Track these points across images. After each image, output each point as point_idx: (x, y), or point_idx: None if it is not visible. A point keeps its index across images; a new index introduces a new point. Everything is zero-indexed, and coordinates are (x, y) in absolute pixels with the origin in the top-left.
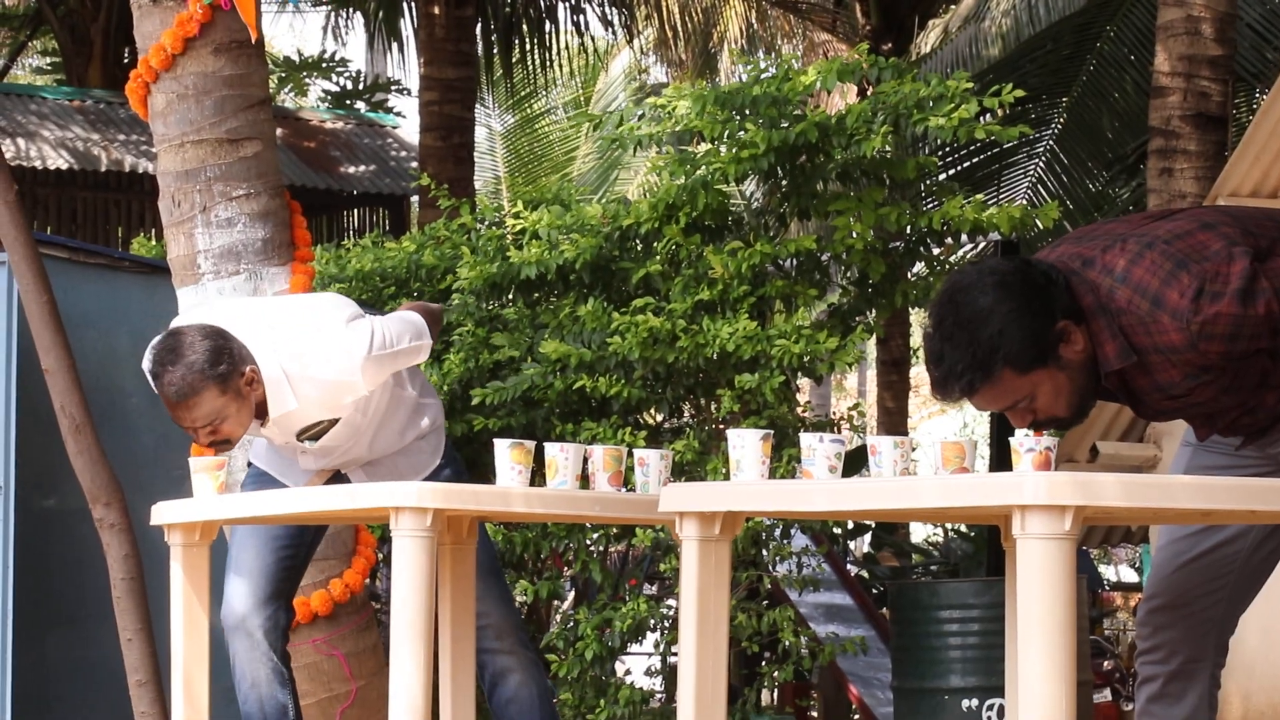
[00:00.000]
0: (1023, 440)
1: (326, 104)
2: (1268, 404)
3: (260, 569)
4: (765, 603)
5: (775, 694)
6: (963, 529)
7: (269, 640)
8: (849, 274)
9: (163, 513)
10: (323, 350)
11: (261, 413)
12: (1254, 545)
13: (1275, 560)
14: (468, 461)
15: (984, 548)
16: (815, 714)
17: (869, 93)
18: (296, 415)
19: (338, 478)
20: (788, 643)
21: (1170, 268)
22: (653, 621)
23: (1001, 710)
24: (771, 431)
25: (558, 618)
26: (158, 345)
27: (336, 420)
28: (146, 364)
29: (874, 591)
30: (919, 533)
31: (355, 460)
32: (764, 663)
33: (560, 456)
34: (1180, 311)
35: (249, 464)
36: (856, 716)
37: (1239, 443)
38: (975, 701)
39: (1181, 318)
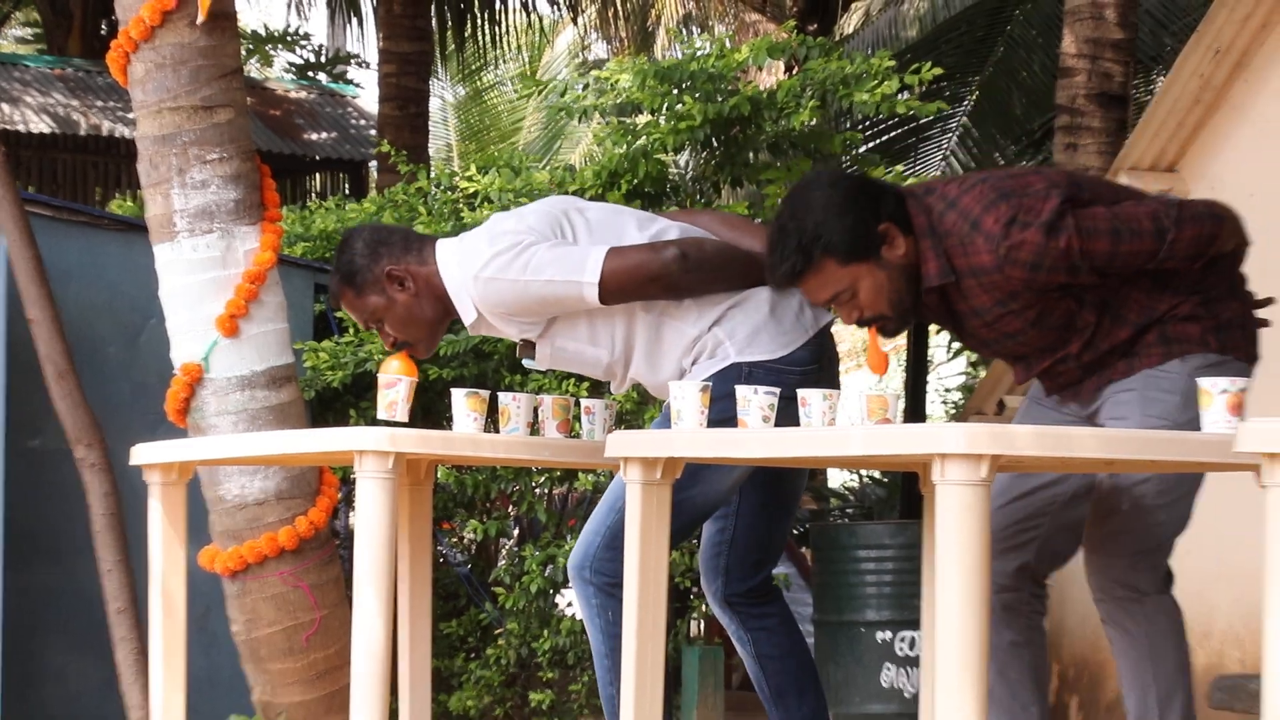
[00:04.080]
0: (1215, 381)
1: (291, 75)
2: (1074, 352)
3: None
4: (697, 542)
5: (703, 626)
6: (877, 475)
7: None
8: None
9: (142, 454)
10: (456, 255)
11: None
12: (1069, 497)
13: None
14: (423, 409)
15: (897, 493)
16: None
17: (796, 70)
18: (490, 327)
19: None
20: None
21: (993, 197)
22: None
23: (913, 641)
24: (710, 384)
25: (505, 554)
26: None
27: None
28: None
29: (796, 532)
30: (835, 479)
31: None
32: (693, 597)
33: (513, 405)
34: (992, 235)
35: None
36: None
37: (1057, 397)
38: (889, 634)
39: (993, 240)
